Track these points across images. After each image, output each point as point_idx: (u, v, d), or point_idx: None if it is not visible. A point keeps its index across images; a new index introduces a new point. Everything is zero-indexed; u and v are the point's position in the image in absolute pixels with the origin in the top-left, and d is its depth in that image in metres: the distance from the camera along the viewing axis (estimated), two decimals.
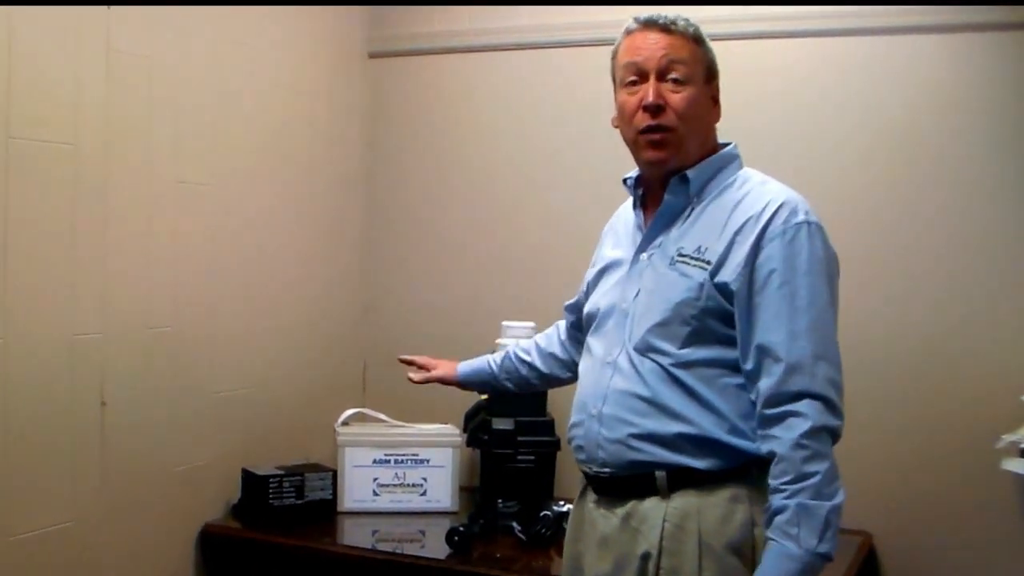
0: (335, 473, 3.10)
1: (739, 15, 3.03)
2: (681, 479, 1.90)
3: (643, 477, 1.93)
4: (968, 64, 2.88)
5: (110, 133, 2.59)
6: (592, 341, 2.08)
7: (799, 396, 1.81)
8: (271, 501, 2.95)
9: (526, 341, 2.56)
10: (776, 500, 1.80)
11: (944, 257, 2.90)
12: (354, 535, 2.99)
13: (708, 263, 1.90)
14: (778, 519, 1.79)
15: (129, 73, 2.64)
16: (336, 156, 3.47)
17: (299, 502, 3.00)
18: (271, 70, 3.16)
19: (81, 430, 2.56)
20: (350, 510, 3.11)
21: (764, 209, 1.89)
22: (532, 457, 3.03)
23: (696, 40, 1.98)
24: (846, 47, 2.98)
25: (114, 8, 2.59)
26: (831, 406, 1.82)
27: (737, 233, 1.90)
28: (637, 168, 2.07)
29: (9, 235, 2.35)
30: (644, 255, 2.01)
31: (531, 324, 3.01)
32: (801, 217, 1.88)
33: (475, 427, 3.08)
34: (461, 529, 2.77)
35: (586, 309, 2.14)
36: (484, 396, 3.05)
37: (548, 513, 2.83)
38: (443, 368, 2.55)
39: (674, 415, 1.90)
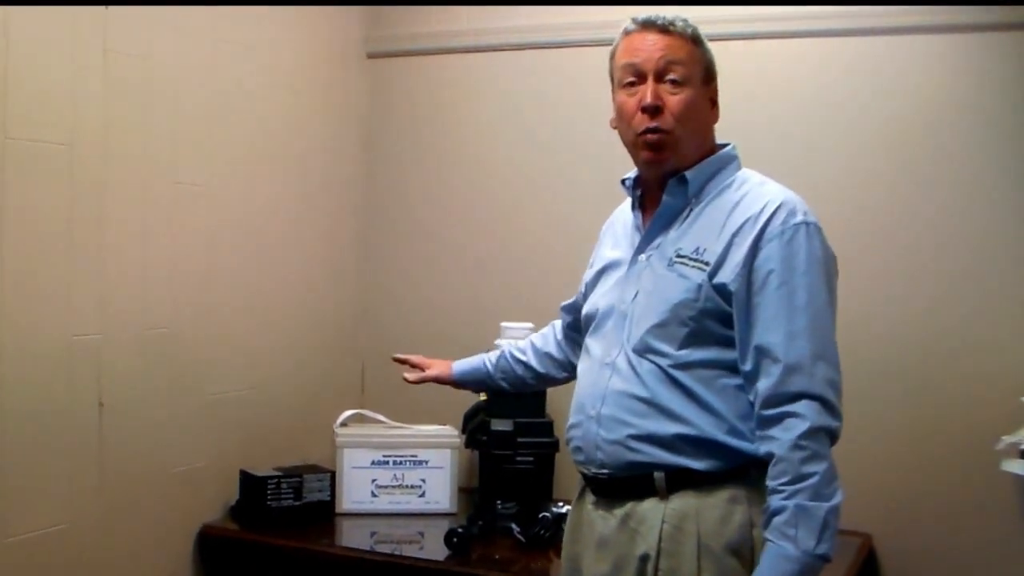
0: (333, 474, 3.09)
1: (738, 15, 3.03)
2: (680, 480, 1.90)
3: (642, 478, 1.92)
4: (968, 64, 2.87)
5: (107, 134, 2.59)
6: (590, 342, 2.08)
7: (797, 397, 1.81)
8: (269, 502, 2.95)
9: (522, 341, 2.55)
10: (774, 501, 1.80)
11: (944, 257, 2.90)
12: (352, 536, 2.99)
13: (706, 264, 1.90)
14: (776, 520, 1.79)
15: (126, 73, 2.64)
16: (334, 156, 3.47)
17: (297, 503, 2.99)
18: (269, 70, 3.15)
19: (79, 431, 2.55)
20: (348, 511, 3.10)
21: (762, 210, 1.89)
22: (531, 458, 3.03)
23: (695, 41, 1.97)
24: (846, 47, 2.98)
25: (111, 8, 2.59)
26: (829, 407, 1.82)
27: (735, 234, 1.89)
28: (635, 169, 2.07)
29: (6, 236, 2.35)
30: (642, 256, 2.01)
31: (529, 325, 3.00)
32: (799, 218, 1.88)
33: (474, 428, 3.08)
34: (460, 530, 2.77)
35: (584, 310, 2.14)
36: (483, 397, 3.05)
37: (547, 514, 2.83)
38: (438, 367, 2.55)
39: (673, 416, 1.90)
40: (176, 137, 2.80)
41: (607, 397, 1.96)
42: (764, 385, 1.83)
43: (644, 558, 1.90)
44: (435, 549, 2.78)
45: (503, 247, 3.41)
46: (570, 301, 2.38)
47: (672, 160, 1.97)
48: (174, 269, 2.81)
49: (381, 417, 3.25)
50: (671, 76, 1.94)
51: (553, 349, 2.44)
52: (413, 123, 3.54)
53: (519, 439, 3.02)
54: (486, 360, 2.51)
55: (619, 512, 1.96)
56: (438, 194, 3.51)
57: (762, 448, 1.84)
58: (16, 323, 2.38)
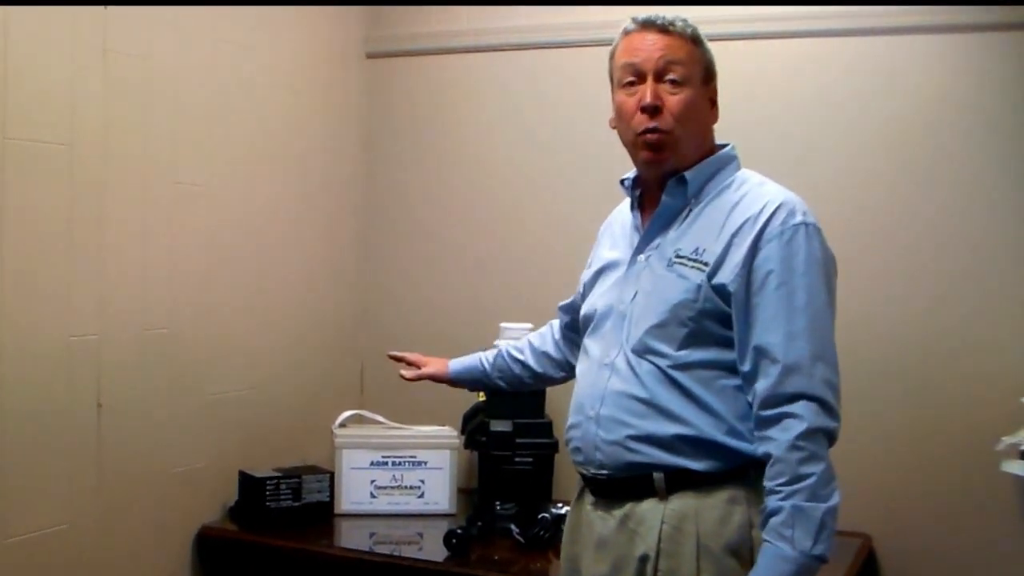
0: (332, 475, 3.09)
1: (738, 15, 3.02)
2: (679, 481, 1.90)
3: (641, 479, 1.92)
4: (968, 64, 2.87)
5: (107, 134, 2.59)
6: (589, 343, 2.08)
7: (795, 398, 1.81)
8: (268, 503, 2.94)
9: (519, 340, 2.54)
10: (771, 501, 1.79)
11: (943, 257, 2.90)
12: (351, 537, 2.98)
13: (706, 265, 1.90)
14: (773, 520, 1.79)
15: (126, 73, 2.64)
16: (333, 156, 3.46)
17: (296, 504, 2.99)
18: (269, 70, 3.15)
19: (78, 432, 2.55)
20: (347, 512, 3.10)
21: (762, 210, 1.89)
22: (530, 459, 3.03)
23: (694, 41, 1.97)
24: (846, 47, 2.98)
25: (111, 8, 2.59)
26: (827, 408, 1.82)
27: (735, 234, 1.89)
28: (634, 169, 2.07)
29: (6, 236, 2.35)
30: (641, 257, 2.00)
31: (529, 326, 2.99)
32: (799, 218, 1.88)
33: (473, 429, 3.08)
34: (459, 531, 2.76)
35: (583, 310, 2.13)
36: (482, 398, 3.05)
37: (546, 515, 2.83)
38: (434, 365, 2.53)
39: (672, 417, 1.89)
40: (176, 137, 2.80)
41: (606, 398, 1.96)
42: (762, 386, 1.83)
43: (643, 559, 1.90)
44: (434, 550, 2.78)
45: (502, 247, 3.41)
46: (568, 301, 2.37)
47: (672, 160, 1.96)
48: (173, 269, 2.81)
49: (380, 418, 3.24)
50: (671, 76, 1.94)
51: (551, 349, 2.44)
52: (413, 123, 3.54)
53: (518, 440, 3.02)
54: (483, 359, 2.50)
55: (618, 513, 1.96)
56: (438, 194, 3.51)
57: (760, 449, 1.83)
58: (15, 323, 2.38)
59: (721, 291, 1.88)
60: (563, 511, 2.73)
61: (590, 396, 2.00)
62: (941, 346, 2.89)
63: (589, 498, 2.04)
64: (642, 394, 1.92)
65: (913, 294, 2.92)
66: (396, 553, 2.82)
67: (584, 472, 2.03)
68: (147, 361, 2.73)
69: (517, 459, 3.02)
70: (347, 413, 3.25)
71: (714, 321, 1.89)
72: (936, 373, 2.89)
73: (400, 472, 3.13)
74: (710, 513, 1.88)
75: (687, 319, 1.90)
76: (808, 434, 1.79)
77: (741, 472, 1.88)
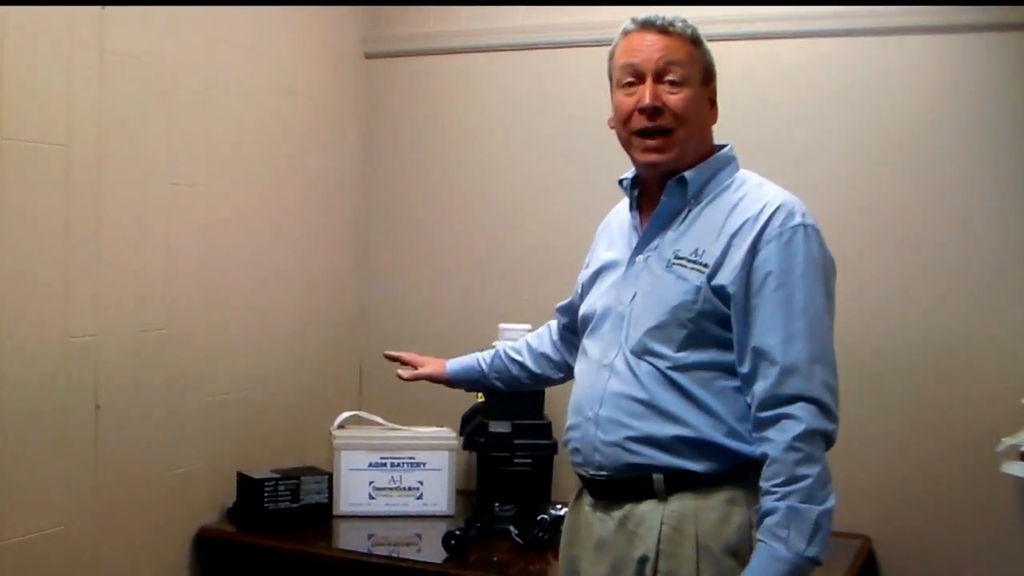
0: (331, 476, 3.08)
1: (738, 15, 3.02)
2: (678, 482, 1.90)
3: (640, 480, 1.92)
4: (968, 64, 2.87)
5: (104, 134, 2.58)
6: (588, 343, 2.07)
7: (793, 399, 1.81)
8: (266, 504, 2.94)
9: (517, 341, 2.53)
10: (767, 502, 1.80)
11: (943, 258, 2.89)
12: (350, 539, 2.98)
13: (705, 266, 1.90)
14: (768, 521, 1.79)
15: (123, 74, 2.63)
16: (332, 157, 3.46)
17: (294, 506, 2.99)
18: (266, 71, 3.14)
19: (75, 433, 2.54)
20: (346, 514, 3.09)
21: (761, 212, 1.89)
22: (529, 460, 3.02)
23: (694, 41, 1.97)
24: (846, 47, 2.97)
25: (107, 8, 2.58)
26: (825, 410, 1.82)
27: (734, 236, 1.89)
28: (633, 169, 2.06)
29: (2, 237, 2.34)
30: (640, 257, 2.00)
31: (527, 327, 2.98)
32: (798, 220, 1.88)
33: (472, 430, 3.07)
34: (458, 533, 2.76)
35: (581, 311, 2.13)
36: (480, 399, 3.04)
37: (545, 516, 2.82)
38: (432, 366, 2.52)
39: (671, 418, 1.89)
40: (173, 137, 2.80)
41: (605, 399, 1.96)
42: (761, 387, 1.83)
43: (643, 560, 1.90)
44: (433, 551, 2.77)
45: (501, 248, 3.40)
46: (565, 302, 2.37)
47: (672, 160, 1.96)
48: (171, 270, 2.80)
49: (379, 419, 3.24)
50: (670, 77, 1.94)
51: (549, 350, 2.43)
52: (411, 123, 3.53)
53: (517, 441, 3.01)
54: (480, 359, 2.49)
55: (617, 514, 1.96)
56: (436, 195, 3.50)
57: (758, 450, 1.84)
58: (13, 324, 2.37)
59: (720, 292, 1.88)
60: (562, 512, 2.72)
61: (589, 397, 1.99)
62: (941, 347, 2.89)
63: (588, 499, 2.04)
64: (641, 395, 1.91)
65: (912, 295, 2.92)
66: (395, 554, 2.82)
67: (583, 473, 2.03)
68: (145, 362, 2.73)
69: (516, 460, 3.02)
70: (345, 414, 3.25)
71: (713, 323, 1.89)
72: (936, 374, 2.89)
73: (399, 473, 3.12)
74: (709, 514, 1.88)
75: (686, 320, 1.89)
76: (805, 436, 1.79)
77: (740, 473, 1.88)
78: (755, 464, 1.84)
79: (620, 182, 2.10)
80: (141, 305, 2.72)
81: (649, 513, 1.91)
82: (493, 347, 2.54)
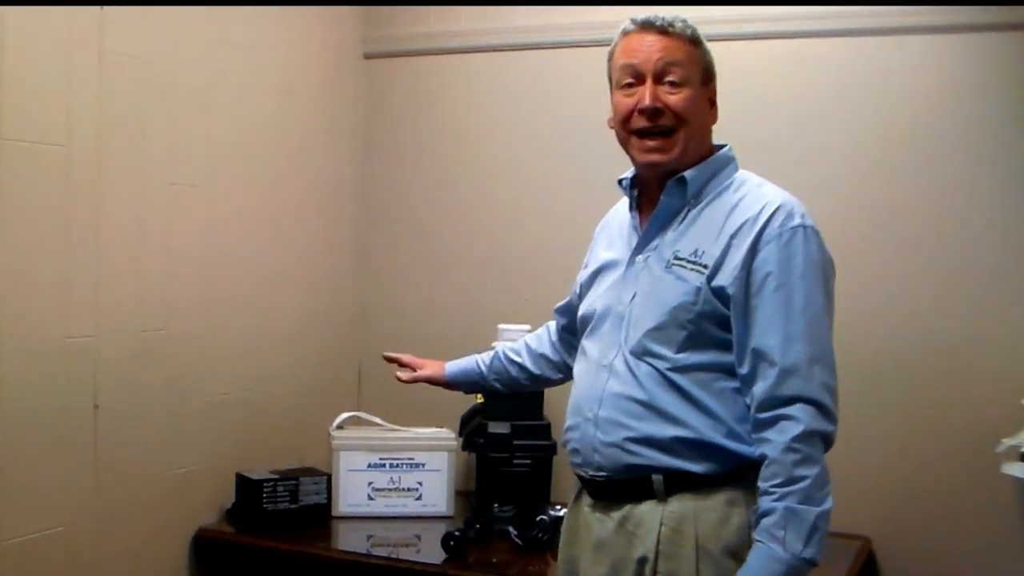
0: (330, 477, 3.08)
1: (738, 15, 3.02)
2: (678, 483, 1.89)
3: (639, 481, 1.92)
4: (968, 64, 2.87)
5: (103, 134, 2.58)
6: (587, 344, 2.07)
7: (792, 400, 1.81)
8: (265, 505, 2.93)
9: (515, 342, 2.53)
10: (765, 502, 1.80)
11: (942, 258, 2.89)
12: (349, 540, 2.98)
13: (705, 267, 1.90)
14: (765, 521, 1.79)
15: (122, 74, 2.63)
16: (331, 157, 3.46)
17: (293, 506, 2.98)
18: (265, 71, 3.14)
19: (74, 433, 2.54)
20: (345, 514, 3.09)
21: (760, 212, 1.89)
22: (528, 461, 3.02)
23: (694, 42, 1.97)
24: (846, 47, 2.97)
25: (107, 8, 2.58)
26: (824, 411, 1.82)
27: (733, 236, 1.89)
28: (632, 169, 2.06)
29: (2, 237, 2.34)
30: (640, 257, 2.00)
31: (527, 327, 2.98)
32: (797, 220, 1.88)
33: (471, 431, 3.07)
34: (457, 534, 2.76)
35: (580, 311, 2.13)
36: (479, 400, 3.04)
37: (544, 517, 2.82)
38: (430, 368, 2.52)
39: (671, 419, 1.89)
40: (172, 137, 2.79)
41: (604, 399, 1.95)
42: (760, 388, 1.83)
43: (642, 561, 1.90)
44: (432, 552, 2.77)
45: (501, 249, 3.40)
46: (564, 303, 2.36)
47: (672, 161, 1.96)
48: (170, 270, 2.80)
49: (378, 420, 3.23)
50: (670, 77, 1.94)
51: (548, 350, 2.43)
52: (410, 123, 3.53)
53: (516, 442, 3.01)
54: (479, 361, 2.49)
55: (616, 515, 1.95)
56: (435, 195, 3.50)
57: (757, 450, 1.84)
58: (12, 324, 2.37)
59: (720, 293, 1.88)
60: (561, 513, 2.71)
61: (588, 398, 1.99)
62: (941, 347, 2.89)
63: (587, 500, 2.04)
64: (641, 396, 1.91)
65: (912, 295, 2.92)
66: (394, 555, 2.81)
67: (582, 474, 2.03)
68: (144, 362, 2.73)
69: (515, 461, 3.02)
70: (344, 415, 3.24)
71: (713, 324, 1.89)
72: (936, 374, 2.89)
73: (398, 474, 3.12)
74: (709, 515, 1.88)
75: (686, 321, 1.89)
76: (804, 437, 1.79)
77: (740, 474, 1.88)
78: (755, 465, 1.84)
79: (619, 182, 2.10)
80: (140, 305, 2.71)
81: (648, 514, 1.91)
82: (492, 348, 2.53)
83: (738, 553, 1.85)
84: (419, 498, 3.13)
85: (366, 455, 3.12)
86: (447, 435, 3.18)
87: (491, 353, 2.49)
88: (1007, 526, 2.81)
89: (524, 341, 2.48)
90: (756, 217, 1.88)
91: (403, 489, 3.12)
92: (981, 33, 2.85)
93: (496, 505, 2.99)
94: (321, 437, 3.22)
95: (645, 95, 1.93)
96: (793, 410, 1.80)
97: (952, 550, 2.86)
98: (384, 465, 3.12)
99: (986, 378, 2.83)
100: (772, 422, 1.81)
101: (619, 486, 1.95)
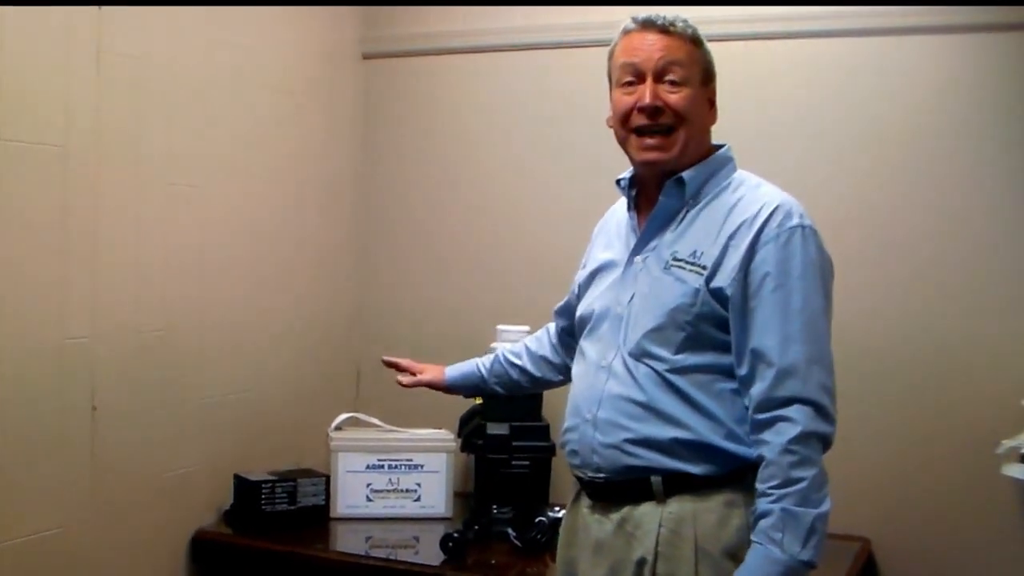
0: (328, 478, 3.07)
1: (738, 15, 3.02)
2: (677, 484, 1.89)
3: (638, 482, 1.92)
4: (968, 64, 2.87)
5: (100, 135, 2.57)
6: (585, 344, 2.06)
7: (790, 401, 1.81)
8: (263, 507, 2.93)
9: (515, 344, 2.53)
10: (762, 504, 1.80)
11: (942, 258, 2.89)
12: (347, 541, 2.97)
13: (703, 268, 1.89)
14: (763, 523, 1.79)
15: (120, 74, 2.62)
16: (329, 158, 3.45)
17: (292, 508, 2.98)
18: (263, 71, 3.14)
19: (71, 435, 2.53)
20: (343, 516, 3.08)
21: (758, 213, 1.89)
22: (527, 462, 3.01)
23: (694, 41, 1.97)
24: (846, 47, 2.97)
25: (105, 8, 2.57)
26: (822, 412, 1.82)
27: (731, 237, 1.89)
28: (631, 169, 2.06)
29: None
30: (639, 258, 1.99)
31: (526, 328, 2.98)
32: (795, 221, 1.87)
33: (469, 432, 3.07)
34: (455, 535, 2.75)
35: (579, 312, 2.13)
36: (478, 401, 3.03)
37: (543, 519, 2.82)
38: (431, 372, 2.52)
39: (670, 420, 1.89)
40: (170, 138, 2.79)
41: (603, 401, 1.95)
42: (758, 389, 1.83)
43: (641, 562, 1.89)
44: (430, 554, 2.77)
45: (499, 249, 3.40)
46: (562, 303, 2.36)
47: (671, 160, 1.95)
48: (168, 271, 2.79)
49: (376, 421, 3.23)
50: (670, 76, 1.94)
51: (548, 352, 2.42)
52: (408, 124, 3.52)
53: (515, 443, 3.01)
54: (479, 364, 2.48)
55: (615, 516, 1.95)
56: (433, 195, 3.49)
57: (755, 452, 1.84)
58: (9, 325, 2.36)
59: (719, 295, 1.87)
60: (560, 514, 2.70)
61: (587, 399, 1.99)
62: (940, 348, 2.88)
63: (586, 501, 2.04)
64: (640, 398, 1.91)
65: (911, 295, 2.91)
66: (392, 557, 2.81)
67: (581, 475, 2.03)
68: (141, 364, 2.72)
69: (514, 462, 3.01)
70: (343, 416, 3.24)
71: (711, 325, 1.89)
72: (935, 375, 2.88)
73: (396, 475, 3.11)
74: (708, 516, 1.88)
75: (684, 323, 1.89)
76: (801, 438, 1.78)
77: (739, 476, 1.87)
78: (753, 467, 1.84)
79: (618, 182, 2.10)
80: (138, 306, 2.71)
81: (647, 515, 1.91)
82: (491, 349, 2.53)
83: (737, 554, 1.85)
84: (418, 499, 3.12)
85: (364, 456, 3.11)
86: (446, 436, 3.17)
87: (491, 356, 2.49)
88: (1007, 527, 2.81)
89: (524, 343, 2.48)
90: (754, 218, 1.88)
91: (402, 490, 3.12)
92: (981, 33, 2.85)
93: (495, 506, 2.98)
94: (319, 438, 3.21)
95: (645, 93, 1.93)
96: (790, 411, 1.80)
97: (952, 552, 2.86)
98: (383, 466, 3.12)
99: (986, 379, 2.83)
100: (770, 423, 1.81)
101: (618, 487, 1.95)
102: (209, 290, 2.94)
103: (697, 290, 1.88)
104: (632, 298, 1.97)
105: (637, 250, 2.00)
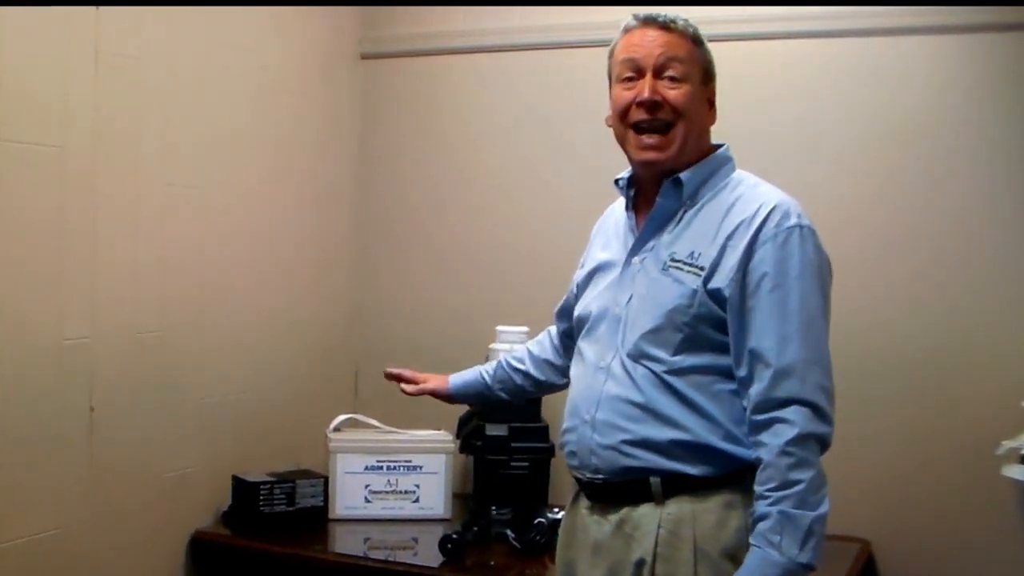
0: (326, 480, 3.07)
1: (738, 15, 3.01)
2: (676, 485, 1.89)
3: (637, 483, 1.91)
4: (968, 64, 2.86)
5: (99, 136, 2.57)
6: (583, 345, 2.06)
7: (787, 402, 1.80)
8: (262, 508, 2.92)
9: (517, 349, 2.52)
10: (760, 507, 1.79)
11: (941, 259, 2.88)
12: (346, 542, 2.97)
13: (701, 269, 1.89)
14: (760, 526, 1.79)
15: (118, 74, 2.62)
16: (327, 158, 3.45)
17: (290, 509, 2.97)
18: (261, 71, 3.13)
19: (70, 436, 2.53)
20: (342, 517, 3.08)
21: (756, 213, 1.88)
22: (526, 463, 3.01)
23: (695, 40, 1.97)
24: (845, 47, 2.97)
25: (103, 9, 2.57)
26: (820, 413, 1.81)
27: (729, 237, 1.89)
28: (629, 168, 2.05)
29: None
30: (636, 259, 1.99)
31: (525, 329, 2.99)
32: (793, 220, 1.87)
33: (468, 433, 3.06)
34: (454, 536, 2.75)
35: (576, 312, 2.12)
36: None
37: (542, 520, 2.81)
38: (434, 381, 2.51)
39: (668, 421, 1.88)
40: (168, 139, 2.78)
41: (602, 402, 1.95)
42: (756, 390, 1.83)
43: (640, 563, 1.89)
44: (429, 555, 2.76)
45: (498, 250, 3.39)
46: (561, 304, 2.35)
47: (670, 159, 1.95)
48: (166, 272, 2.79)
49: (375, 422, 3.22)
50: (670, 73, 1.93)
51: (551, 355, 2.42)
52: (407, 124, 3.52)
53: (514, 444, 3.00)
54: (483, 372, 2.48)
55: (614, 517, 1.95)
56: (432, 196, 3.49)
57: (754, 453, 1.83)
58: (7, 326, 2.35)
59: (716, 296, 1.87)
60: (559, 516, 2.70)
61: (586, 400, 1.99)
62: (940, 349, 2.88)
63: (584, 502, 2.03)
64: (638, 399, 1.91)
65: (912, 295, 2.91)
66: (391, 558, 2.80)
67: (580, 476, 2.02)
68: (139, 364, 2.71)
69: (513, 463, 3.01)
70: (341, 417, 3.23)
71: (709, 326, 1.88)
72: (935, 376, 2.88)
73: (395, 477, 3.11)
74: (707, 517, 1.87)
75: (682, 324, 1.89)
76: (799, 440, 1.78)
77: (737, 477, 1.87)
78: (752, 468, 1.83)
79: (616, 181, 2.09)
80: (136, 307, 2.70)
81: (646, 516, 1.90)
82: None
83: (736, 555, 1.85)
84: (416, 501, 3.12)
85: (363, 457, 3.11)
86: (444, 437, 3.17)
87: (493, 363, 2.49)
88: (1007, 529, 2.81)
89: (526, 348, 2.47)
90: (752, 218, 1.88)
91: (400, 492, 3.11)
92: (980, 33, 2.85)
93: (494, 508, 2.98)
94: (318, 439, 3.21)
95: (644, 88, 1.93)
96: (788, 413, 1.79)
97: (952, 553, 2.86)
98: (381, 467, 3.11)
99: (986, 379, 2.82)
100: (767, 425, 1.81)
101: (617, 488, 1.94)
102: (208, 290, 2.94)
103: (695, 291, 1.88)
104: (630, 299, 1.96)
105: (635, 251, 2.00)
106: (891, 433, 2.91)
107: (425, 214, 3.50)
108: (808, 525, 1.76)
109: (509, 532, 2.84)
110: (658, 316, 1.90)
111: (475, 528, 2.86)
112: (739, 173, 2.01)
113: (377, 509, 3.10)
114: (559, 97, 3.29)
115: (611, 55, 2.02)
